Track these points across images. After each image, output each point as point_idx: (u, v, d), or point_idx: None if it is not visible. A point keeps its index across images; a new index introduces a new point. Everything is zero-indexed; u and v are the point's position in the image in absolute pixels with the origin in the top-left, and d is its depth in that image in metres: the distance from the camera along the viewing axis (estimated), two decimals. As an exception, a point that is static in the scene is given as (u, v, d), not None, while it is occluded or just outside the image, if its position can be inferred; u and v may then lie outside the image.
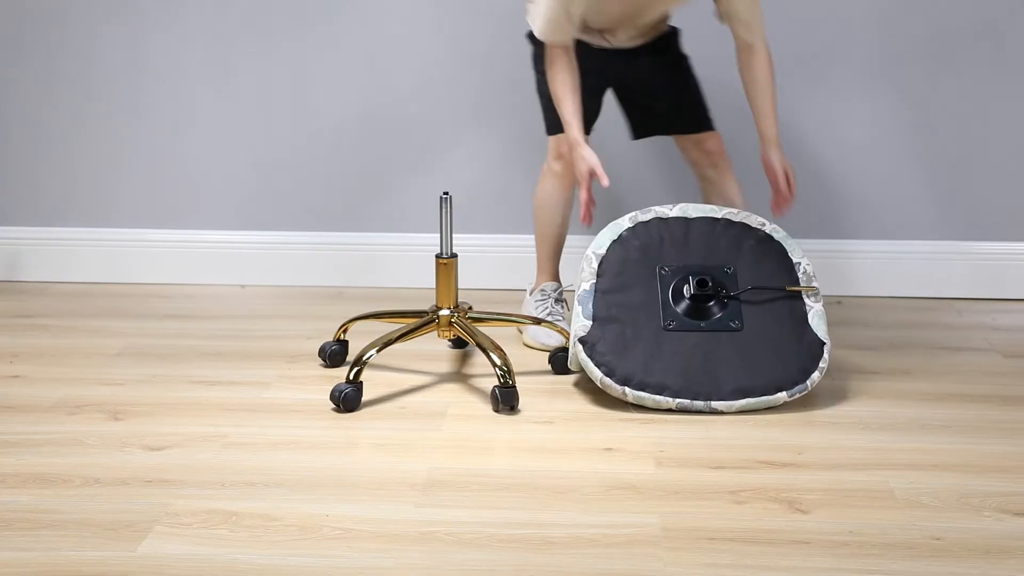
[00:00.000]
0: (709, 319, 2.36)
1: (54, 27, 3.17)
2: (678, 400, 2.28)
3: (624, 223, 2.46)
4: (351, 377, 2.31)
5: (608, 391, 2.31)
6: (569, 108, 2.49)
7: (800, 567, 1.69)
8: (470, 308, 2.54)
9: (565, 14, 2.44)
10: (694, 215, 2.47)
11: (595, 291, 2.38)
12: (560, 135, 2.62)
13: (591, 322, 2.35)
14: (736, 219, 2.47)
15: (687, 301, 2.37)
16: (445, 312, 2.46)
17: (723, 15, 2.53)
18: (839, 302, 3.12)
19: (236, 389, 2.42)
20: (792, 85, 3.09)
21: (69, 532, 1.78)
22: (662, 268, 2.41)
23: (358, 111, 3.17)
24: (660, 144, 3.01)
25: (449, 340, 2.66)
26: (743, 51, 2.55)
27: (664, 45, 2.68)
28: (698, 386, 2.29)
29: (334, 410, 2.29)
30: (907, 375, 2.53)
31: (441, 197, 2.44)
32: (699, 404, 2.28)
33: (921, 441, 2.17)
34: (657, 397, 2.28)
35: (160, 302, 3.10)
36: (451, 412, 2.31)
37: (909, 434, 2.20)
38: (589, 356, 2.32)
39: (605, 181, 2.43)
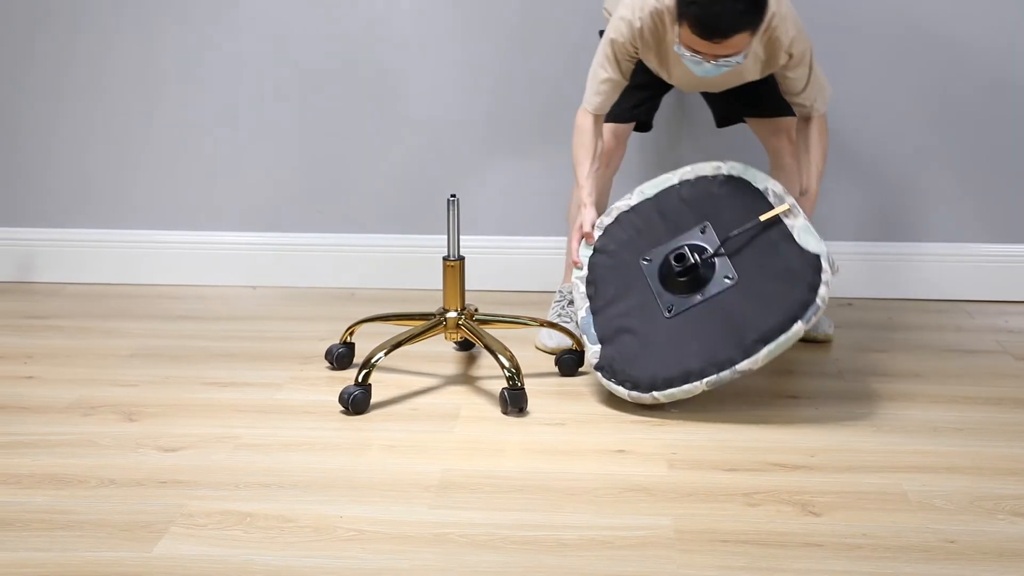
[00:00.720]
0: (703, 287, 2.33)
1: (67, 31, 3.18)
2: (706, 379, 2.25)
3: (595, 235, 2.47)
4: (360, 379, 2.31)
5: (641, 402, 2.30)
6: (583, 172, 2.52)
7: (813, 570, 1.69)
8: (476, 310, 2.55)
9: (610, 82, 2.47)
10: (652, 192, 2.47)
11: (591, 314, 2.39)
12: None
13: (599, 346, 2.36)
14: (691, 176, 2.45)
15: (677, 280, 2.35)
16: (452, 314, 2.47)
17: (782, 90, 2.53)
18: (850, 303, 3.12)
19: (249, 390, 2.43)
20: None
21: (85, 533, 1.79)
22: (643, 259, 2.40)
23: (369, 113, 3.18)
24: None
25: (455, 342, 2.66)
26: (801, 117, 2.58)
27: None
28: (719, 355, 2.25)
29: (343, 412, 2.30)
30: (918, 377, 2.53)
31: (448, 200, 2.45)
32: (726, 374, 2.24)
33: (933, 443, 2.17)
34: (686, 387, 2.26)
35: (172, 303, 3.11)
36: (463, 414, 2.31)
37: (921, 436, 2.20)
38: (611, 379, 2.32)
39: (580, 263, 2.47)
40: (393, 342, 2.39)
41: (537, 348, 2.70)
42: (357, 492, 1.95)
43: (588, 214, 2.51)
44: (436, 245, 3.12)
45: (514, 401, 2.29)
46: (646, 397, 2.28)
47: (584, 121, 2.54)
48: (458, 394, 2.42)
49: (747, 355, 2.23)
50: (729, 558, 1.72)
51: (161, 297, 3.17)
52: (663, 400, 2.28)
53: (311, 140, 3.21)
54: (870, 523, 1.84)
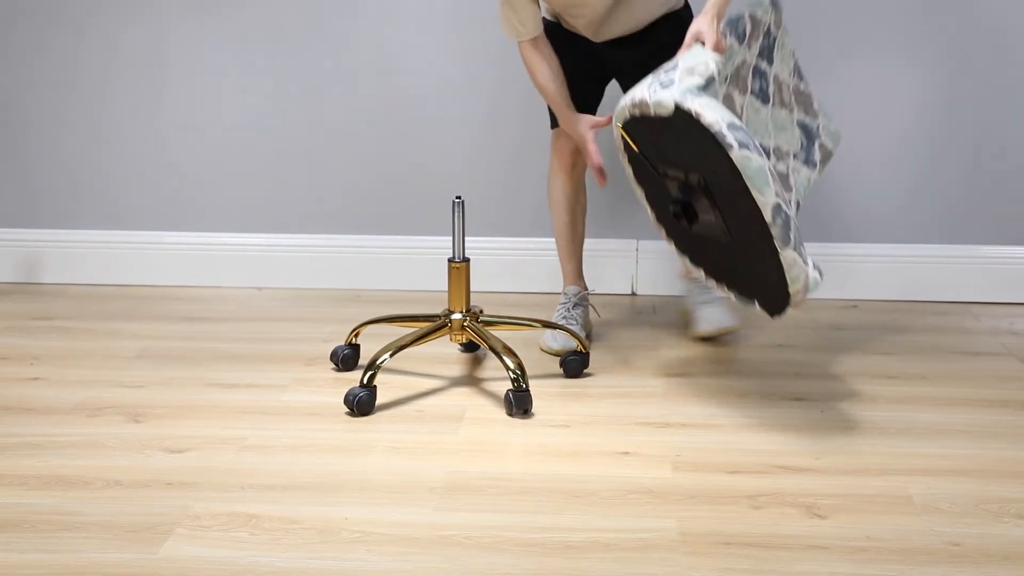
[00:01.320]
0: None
1: (73, 33, 3.19)
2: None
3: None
4: (365, 381, 2.32)
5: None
6: (554, 95, 2.52)
7: (818, 572, 1.69)
8: (481, 312, 2.55)
9: (511, 9, 2.49)
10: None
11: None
12: (557, 128, 2.67)
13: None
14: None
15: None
16: (457, 316, 2.47)
17: None
18: (855, 305, 3.12)
19: (254, 392, 2.44)
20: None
21: (91, 534, 1.80)
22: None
23: (372, 114, 3.19)
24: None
25: (460, 344, 2.67)
26: None
27: (665, 29, 2.56)
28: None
29: (348, 414, 2.30)
30: (924, 380, 2.53)
31: (453, 201, 2.45)
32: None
33: (939, 446, 2.16)
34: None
35: (177, 304, 3.11)
36: (468, 416, 2.31)
37: (927, 439, 2.20)
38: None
39: (601, 182, 2.45)
40: (398, 344, 2.40)
41: (542, 350, 2.70)
42: (362, 494, 1.95)
43: (583, 130, 2.48)
44: (442, 247, 3.13)
45: (519, 403, 2.29)
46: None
47: (528, 53, 2.54)
48: (463, 396, 2.42)
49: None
50: (734, 560, 1.72)
51: (166, 298, 3.17)
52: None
53: (317, 142, 3.21)
54: (875, 526, 1.83)
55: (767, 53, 2.43)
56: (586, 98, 2.67)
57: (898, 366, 2.62)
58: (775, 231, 2.03)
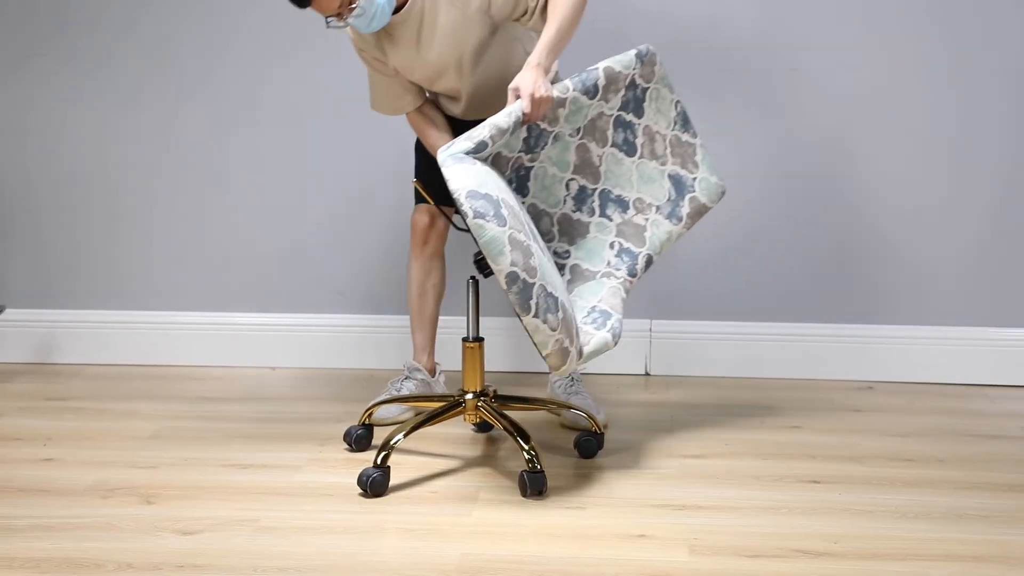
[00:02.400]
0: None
1: (91, 116, 3.25)
2: None
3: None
4: (378, 462, 2.31)
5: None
6: (447, 139, 2.56)
7: (840, 660, 1.66)
8: (495, 392, 2.55)
9: (380, 90, 2.57)
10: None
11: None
12: (416, 206, 2.75)
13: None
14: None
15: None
16: (471, 396, 2.46)
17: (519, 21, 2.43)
18: (871, 387, 3.10)
19: (267, 472, 2.43)
20: (822, 164, 3.12)
21: (102, 617, 1.78)
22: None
23: (389, 195, 3.22)
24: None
25: (474, 424, 2.66)
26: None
27: None
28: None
29: (362, 495, 2.29)
30: (941, 463, 2.51)
31: (468, 282, 2.46)
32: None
33: (959, 531, 2.14)
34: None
35: (191, 384, 3.11)
36: (482, 496, 2.30)
37: (946, 524, 2.17)
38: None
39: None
40: (412, 424, 2.39)
41: (563, 426, 2.70)
42: (376, 577, 1.93)
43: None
44: (457, 326, 3.13)
45: (533, 484, 2.28)
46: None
47: (415, 122, 2.62)
48: (477, 477, 2.41)
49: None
50: (754, 648, 1.69)
51: (181, 378, 3.18)
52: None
53: (331, 223, 3.24)
54: (897, 612, 1.80)
55: (633, 106, 2.49)
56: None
57: (915, 448, 2.60)
58: (512, 298, 2.11)
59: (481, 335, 2.49)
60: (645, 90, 2.49)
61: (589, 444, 2.51)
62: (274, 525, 2.15)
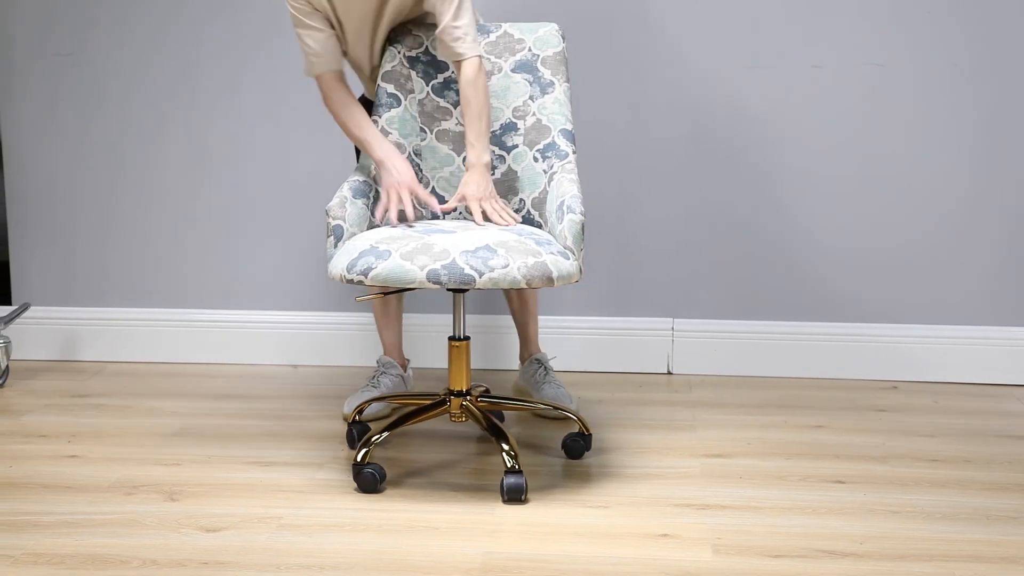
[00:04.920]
0: None
1: (116, 116, 3.26)
2: None
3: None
4: (359, 459, 2.30)
5: None
6: (370, 132, 2.49)
7: (866, 662, 1.65)
8: (487, 391, 2.53)
9: (306, 39, 2.49)
10: None
11: None
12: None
13: None
14: None
15: None
16: (456, 396, 2.42)
17: (437, 21, 2.45)
18: (896, 387, 3.08)
19: (290, 470, 2.43)
20: (846, 164, 3.10)
21: (127, 614, 1.78)
22: None
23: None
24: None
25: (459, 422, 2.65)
26: (455, 67, 2.47)
27: None
28: None
29: (356, 490, 2.29)
30: (969, 463, 2.49)
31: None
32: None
33: (987, 532, 2.12)
34: None
35: (214, 381, 3.12)
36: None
37: (974, 524, 2.15)
38: None
39: (410, 213, 2.39)
40: (392, 422, 2.39)
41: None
42: (398, 574, 1.93)
43: (399, 165, 2.41)
44: (479, 324, 3.13)
45: (512, 490, 2.24)
46: None
47: (330, 88, 2.51)
48: (500, 475, 2.40)
49: None
50: (779, 648, 1.68)
51: (204, 375, 3.19)
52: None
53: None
54: (924, 614, 1.79)
55: None
56: None
57: (941, 449, 2.58)
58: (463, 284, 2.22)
59: (467, 334, 2.45)
60: None
61: (577, 446, 2.49)
62: (297, 523, 2.15)
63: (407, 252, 2.20)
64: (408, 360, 2.92)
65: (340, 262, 2.26)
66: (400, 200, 2.41)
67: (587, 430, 2.50)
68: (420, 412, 2.43)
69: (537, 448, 2.58)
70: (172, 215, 3.29)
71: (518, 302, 2.83)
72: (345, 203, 2.40)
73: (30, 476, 2.39)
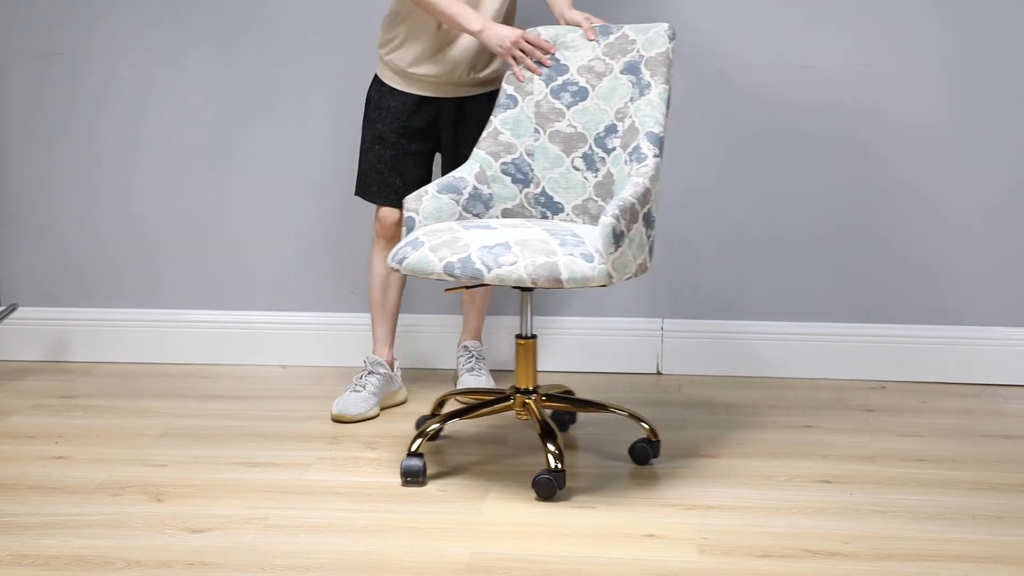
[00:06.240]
0: None
1: (101, 116, 3.25)
2: None
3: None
4: (412, 449, 2.35)
5: None
6: (461, 7, 2.61)
7: (850, 661, 1.65)
8: (568, 392, 2.60)
9: None
10: None
11: None
12: (383, 209, 2.83)
13: None
14: None
15: None
16: (521, 393, 2.44)
17: None
18: (883, 387, 3.08)
19: (277, 471, 2.43)
20: (833, 163, 3.10)
21: (111, 615, 1.78)
22: None
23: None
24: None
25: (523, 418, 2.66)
26: None
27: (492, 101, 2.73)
28: None
29: (403, 484, 2.33)
30: (955, 463, 2.49)
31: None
32: None
33: (973, 531, 2.12)
34: None
35: (203, 382, 3.12)
36: (492, 495, 2.29)
37: (960, 524, 2.15)
38: None
39: (547, 46, 2.61)
40: (453, 412, 2.45)
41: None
42: (384, 575, 1.93)
43: (502, 30, 2.61)
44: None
45: (544, 486, 2.26)
46: None
47: None
48: (487, 475, 2.40)
49: None
50: (763, 648, 1.68)
51: (192, 376, 3.18)
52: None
53: (342, 220, 3.24)
54: (908, 613, 1.79)
55: None
56: (417, 172, 2.81)
57: (927, 449, 2.58)
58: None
59: (534, 333, 2.47)
60: None
61: (644, 451, 2.46)
62: (283, 523, 2.15)
63: (435, 245, 2.30)
64: (396, 359, 2.92)
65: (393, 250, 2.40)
66: (520, 56, 2.59)
67: (655, 436, 2.48)
68: (483, 407, 2.47)
69: (534, 449, 2.57)
70: (161, 216, 3.29)
71: (468, 294, 2.94)
72: (423, 197, 2.48)
73: (16, 477, 2.39)
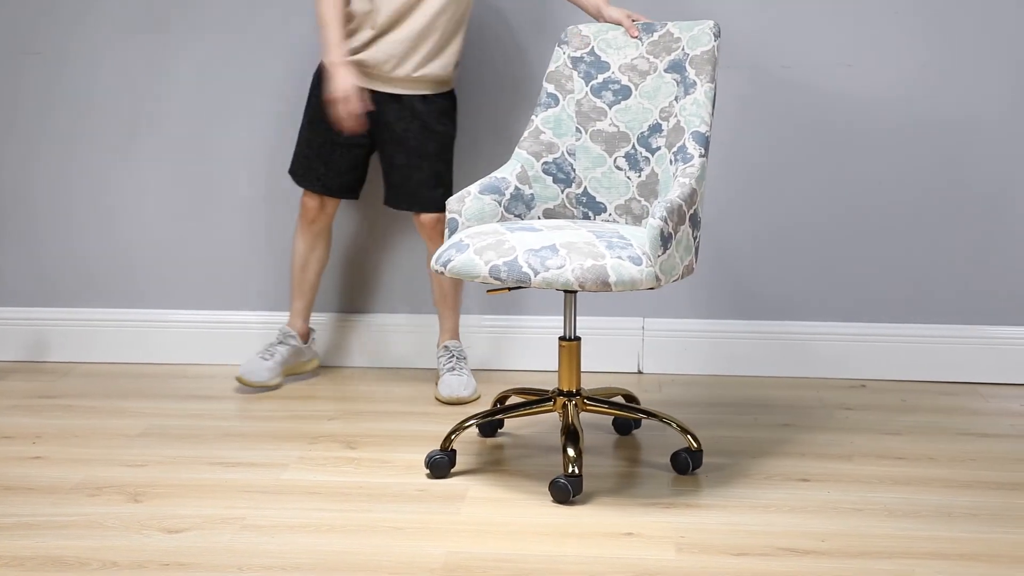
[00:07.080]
0: None
1: (78, 115, 3.24)
2: None
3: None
4: (444, 444, 2.38)
5: None
6: (335, 33, 2.72)
7: (824, 659, 1.66)
8: (630, 395, 2.62)
9: None
10: None
11: None
12: (306, 192, 2.95)
13: None
14: None
15: None
16: (563, 395, 2.41)
17: None
18: (863, 385, 3.10)
19: (256, 471, 2.42)
20: (815, 163, 3.12)
21: (85, 616, 1.77)
22: None
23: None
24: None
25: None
26: None
27: (437, 106, 2.84)
28: None
29: (427, 476, 2.36)
30: (932, 461, 2.50)
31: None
32: None
33: (948, 529, 2.13)
34: None
35: (182, 382, 3.11)
36: (470, 495, 2.29)
37: (935, 522, 2.16)
38: None
39: (366, 106, 2.71)
40: (491, 410, 2.49)
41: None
42: (361, 575, 1.92)
43: (344, 73, 2.72)
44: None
45: (560, 490, 2.25)
46: None
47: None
48: (466, 475, 2.40)
49: None
50: (738, 646, 1.69)
51: (171, 376, 3.17)
52: None
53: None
54: (883, 611, 1.80)
55: None
56: (343, 163, 2.90)
57: (906, 447, 2.59)
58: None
59: (578, 335, 2.46)
60: None
61: (684, 461, 2.41)
62: (260, 523, 2.14)
63: (480, 247, 2.29)
64: (313, 329, 3.06)
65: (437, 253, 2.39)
66: (341, 112, 2.72)
67: (695, 445, 2.41)
68: (524, 406, 2.48)
69: (521, 448, 2.57)
70: (140, 215, 3.27)
71: (439, 293, 2.99)
72: (465, 198, 2.46)
73: (-8, 478, 2.38)
